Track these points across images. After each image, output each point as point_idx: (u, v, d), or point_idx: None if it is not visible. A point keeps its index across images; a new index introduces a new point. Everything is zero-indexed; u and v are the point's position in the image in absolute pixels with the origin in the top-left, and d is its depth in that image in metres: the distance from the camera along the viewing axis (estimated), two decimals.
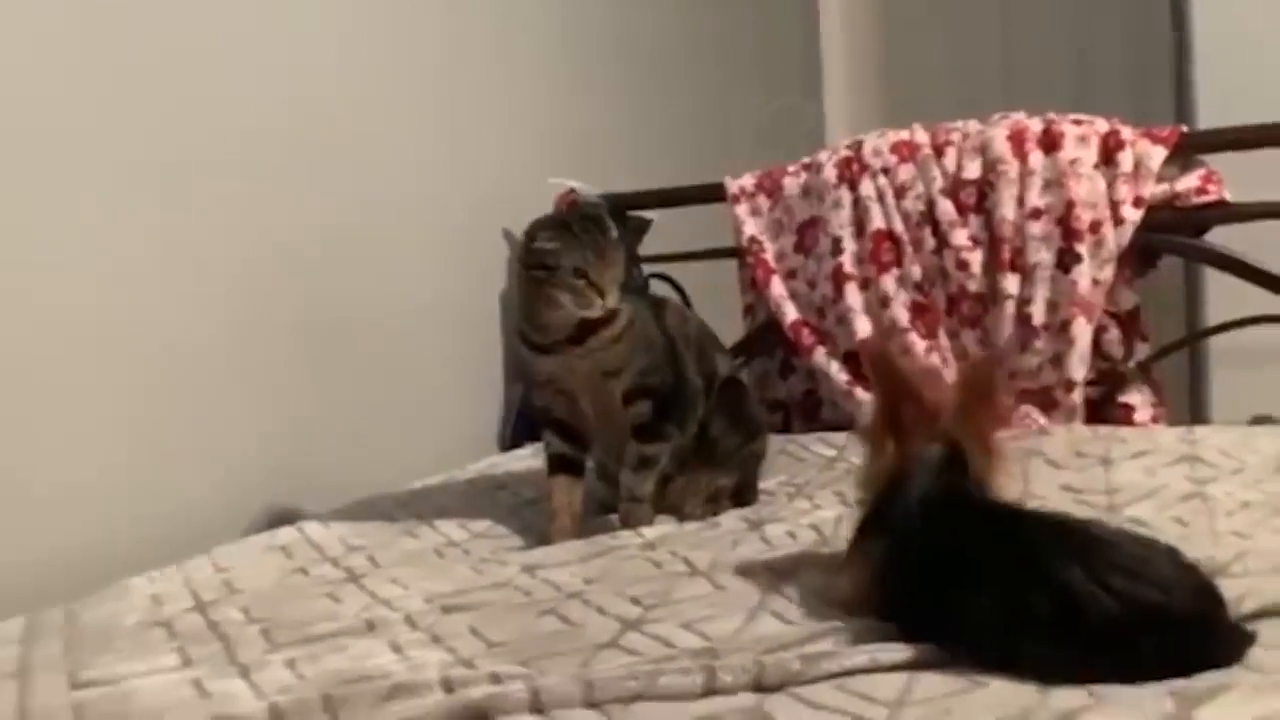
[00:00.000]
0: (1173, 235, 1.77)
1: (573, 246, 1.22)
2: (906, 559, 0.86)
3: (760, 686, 0.77)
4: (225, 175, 1.47)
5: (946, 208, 1.83)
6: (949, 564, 0.82)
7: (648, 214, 2.09)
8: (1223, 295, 1.94)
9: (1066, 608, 0.74)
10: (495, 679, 0.79)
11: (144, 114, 1.35)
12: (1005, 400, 0.93)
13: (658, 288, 2.10)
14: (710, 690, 0.76)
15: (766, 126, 2.88)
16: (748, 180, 2.03)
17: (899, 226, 1.85)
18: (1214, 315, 2.05)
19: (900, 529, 0.88)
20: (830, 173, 1.92)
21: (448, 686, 0.78)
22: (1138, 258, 1.80)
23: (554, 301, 1.23)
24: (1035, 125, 1.82)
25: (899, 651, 0.79)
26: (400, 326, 1.77)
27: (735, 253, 2.04)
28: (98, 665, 0.89)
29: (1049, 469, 1.40)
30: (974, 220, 1.82)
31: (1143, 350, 1.83)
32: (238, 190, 1.48)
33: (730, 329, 1.93)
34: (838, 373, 1.85)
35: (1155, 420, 1.78)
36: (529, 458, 1.68)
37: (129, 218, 1.34)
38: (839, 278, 1.87)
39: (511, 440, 1.93)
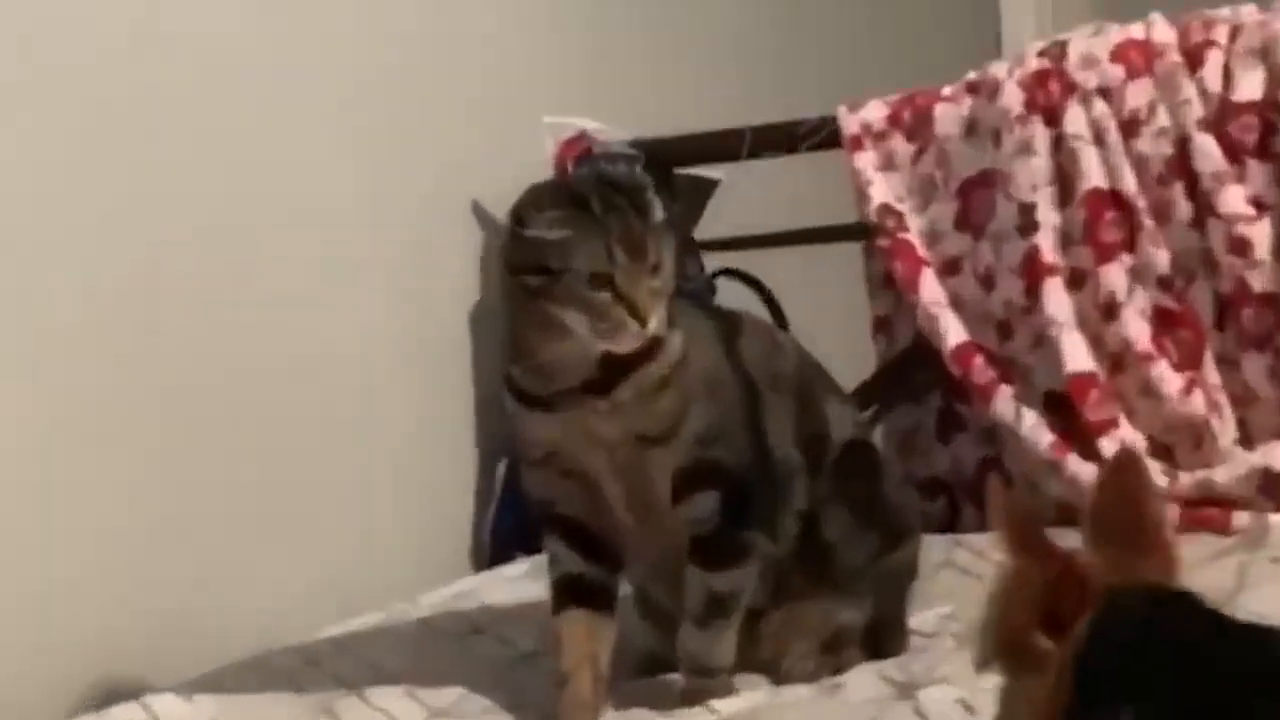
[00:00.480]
0: None
1: (591, 236, 1.22)
2: None
3: None
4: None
5: (1209, 150, 1.81)
6: None
7: (710, 172, 2.12)
8: None
9: None
10: None
11: None
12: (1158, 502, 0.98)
13: (728, 293, 2.11)
14: None
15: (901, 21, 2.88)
16: (876, 112, 2.02)
17: (1131, 184, 1.84)
18: None
19: (1143, 688, 0.86)
20: (1013, 97, 1.91)
21: None
22: None
23: (559, 326, 1.23)
24: None
25: None
26: (310, 381, 1.80)
27: (857, 233, 2.05)
28: None
29: None
30: (1257, 170, 1.80)
31: None
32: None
33: (853, 360, 1.94)
34: (1034, 429, 1.83)
35: None
36: (522, 581, 1.69)
37: None
38: (1033, 271, 1.85)
39: (493, 552, 1.95)
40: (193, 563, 1.63)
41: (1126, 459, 1.09)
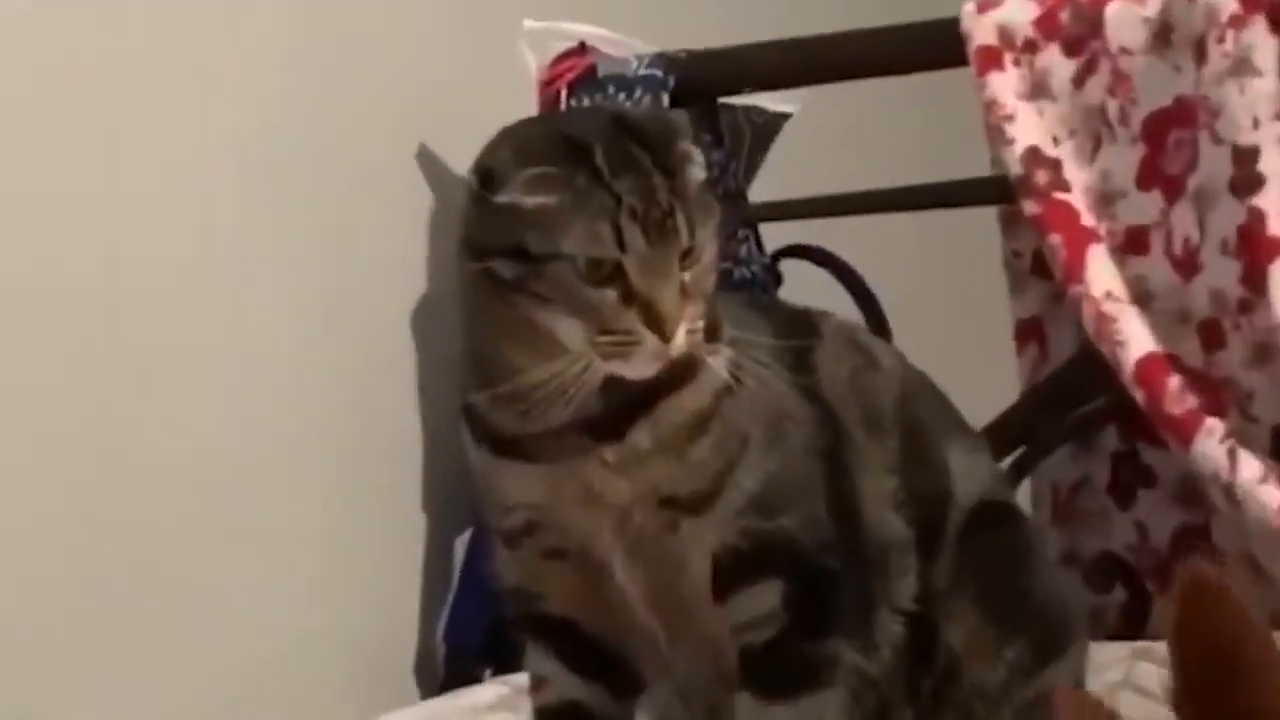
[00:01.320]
0: None
1: (592, 206, 1.22)
2: None
3: None
4: None
5: None
6: None
7: (773, 102, 2.13)
8: None
9: None
10: None
11: None
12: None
13: (798, 281, 2.11)
14: None
15: None
16: (1020, 13, 2.02)
17: None
18: None
19: None
20: None
21: None
22: None
23: (544, 335, 1.23)
24: None
25: None
26: (180, 430, 1.83)
27: (992, 192, 2.08)
28: None
29: None
30: None
31: None
32: None
33: (982, 383, 1.94)
34: (1258, 483, 1.82)
35: None
36: (490, 712, 1.70)
37: None
38: (1256, 247, 1.85)
39: (449, 670, 1.97)
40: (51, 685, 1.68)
41: (1202, 583, 1.13)
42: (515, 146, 1.26)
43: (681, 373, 1.24)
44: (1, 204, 1.73)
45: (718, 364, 1.25)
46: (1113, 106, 1.97)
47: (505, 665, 1.70)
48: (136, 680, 1.76)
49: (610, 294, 1.20)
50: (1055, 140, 1.99)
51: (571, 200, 1.20)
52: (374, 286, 2.00)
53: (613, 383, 1.23)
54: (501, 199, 1.22)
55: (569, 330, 1.21)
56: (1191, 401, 1.88)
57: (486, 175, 1.24)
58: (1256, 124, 1.87)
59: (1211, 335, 1.90)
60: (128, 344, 1.82)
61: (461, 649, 1.96)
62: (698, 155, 1.26)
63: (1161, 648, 1.74)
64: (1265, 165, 1.86)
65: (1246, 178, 1.86)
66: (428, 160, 1.98)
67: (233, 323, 1.89)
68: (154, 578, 1.79)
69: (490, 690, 1.78)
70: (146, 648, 1.77)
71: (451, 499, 1.96)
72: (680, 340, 1.20)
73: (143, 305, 1.82)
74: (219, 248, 1.87)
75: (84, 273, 1.79)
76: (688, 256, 1.22)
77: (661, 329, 1.20)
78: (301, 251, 1.95)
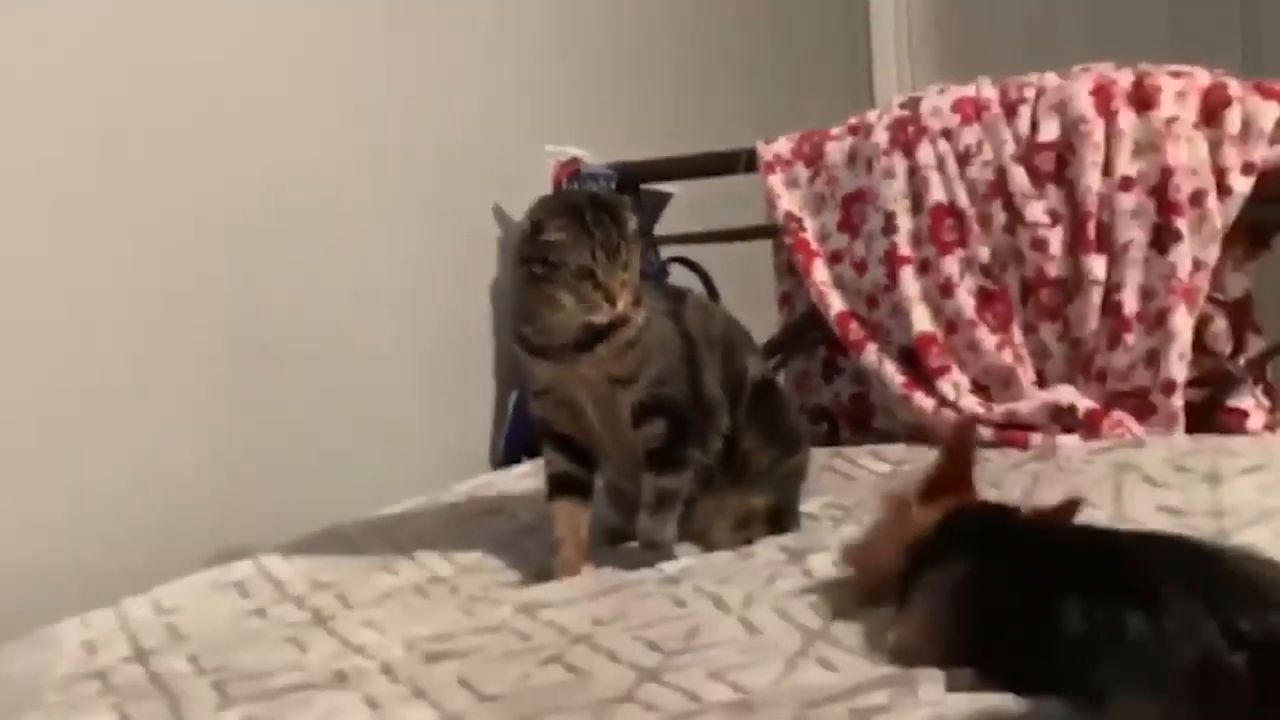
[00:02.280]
0: None
1: (581, 241, 1.21)
2: (984, 587, 0.88)
3: None
4: (185, 188, 1.50)
5: (1019, 177, 1.82)
6: (1033, 588, 0.85)
7: (666, 187, 2.13)
8: None
9: (1206, 665, 0.73)
10: None
11: (52, 100, 1.36)
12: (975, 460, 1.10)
13: (678, 275, 2.11)
14: None
15: (802, 81, 2.88)
16: (783, 146, 2.02)
17: (963, 199, 1.85)
18: None
19: (972, 553, 0.92)
20: (881, 136, 1.91)
21: None
22: (1248, 236, 1.79)
23: (554, 302, 1.23)
24: (1124, 79, 1.81)
25: (964, 703, 0.79)
26: (371, 324, 1.77)
27: (769, 232, 2.03)
28: None
29: (1145, 487, 1.39)
30: (1052, 191, 1.81)
31: (1256, 345, 1.82)
32: (182, 184, 1.50)
33: (764, 323, 1.93)
34: (892, 374, 1.84)
35: (1271, 428, 1.77)
36: (527, 476, 1.68)
37: (65, 238, 1.37)
38: (893, 261, 1.86)
39: (505, 456, 1.94)
40: (290, 457, 1.63)
41: (964, 427, 1.14)
42: (547, 209, 1.25)
43: (620, 322, 1.24)
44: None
45: (638, 317, 1.25)
46: (826, 191, 1.98)
47: (532, 455, 1.68)
48: (347, 453, 1.72)
49: (587, 284, 1.20)
50: (799, 208, 1.99)
51: (573, 238, 1.21)
52: (474, 271, 1.96)
53: (587, 326, 1.23)
54: (544, 238, 1.22)
55: (566, 299, 1.21)
56: (862, 334, 1.89)
57: (537, 225, 1.23)
58: (895, 201, 1.88)
59: (871, 302, 1.91)
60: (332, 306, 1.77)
61: (511, 446, 1.93)
62: (633, 218, 1.25)
63: (845, 450, 1.75)
64: (898, 221, 1.87)
65: (889, 227, 1.88)
66: (499, 213, 1.97)
67: (419, 290, 1.85)
68: (366, 400, 1.75)
69: (525, 466, 1.76)
70: (355, 435, 1.73)
71: (508, 373, 1.94)
72: (620, 307, 1.22)
73: (381, 285, 1.78)
74: (414, 249, 1.83)
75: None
76: (626, 268, 1.22)
77: (612, 301, 1.21)
78: (448, 253, 1.90)
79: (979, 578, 0.90)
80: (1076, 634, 0.79)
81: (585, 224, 1.21)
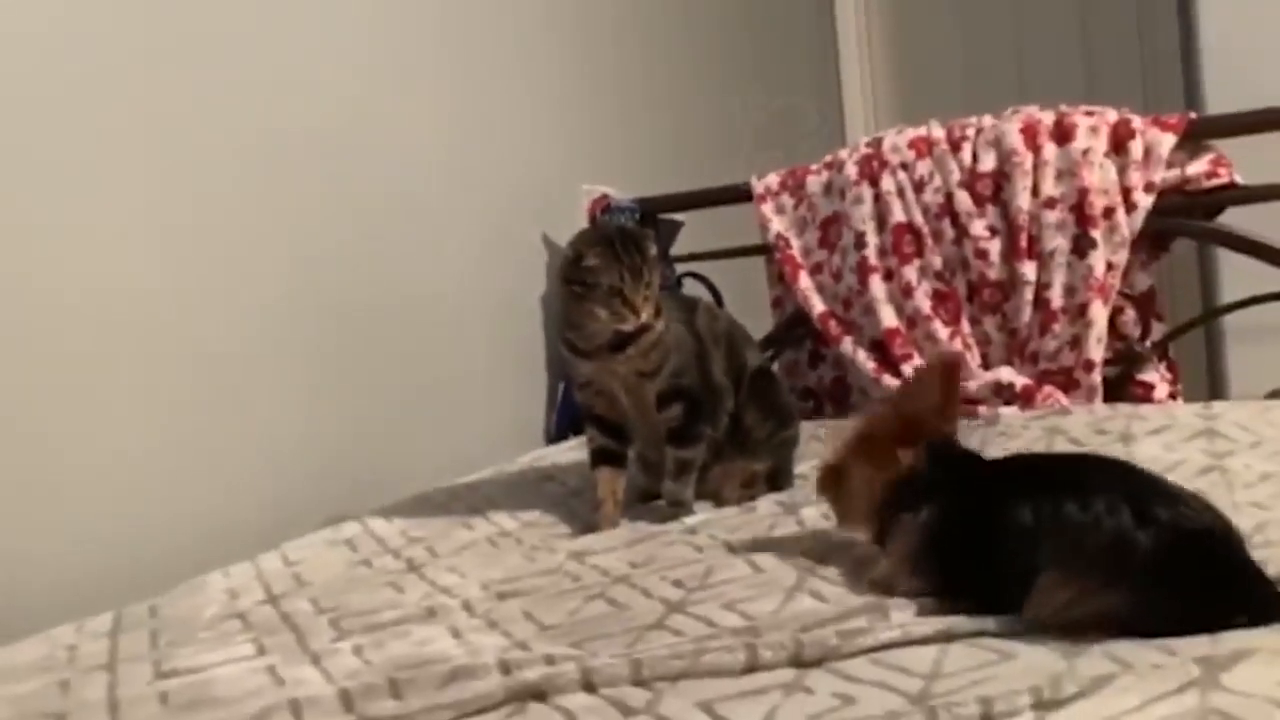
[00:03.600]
0: (1184, 219, 1.75)
1: (611, 266, 1.20)
2: (952, 523, 0.87)
3: (800, 662, 0.77)
4: (268, 179, 1.47)
5: (964, 200, 1.81)
6: (994, 517, 0.82)
7: (678, 216, 2.13)
8: (1236, 275, 1.90)
9: (1119, 540, 0.74)
10: (549, 660, 0.80)
11: (181, 115, 1.35)
12: (959, 390, 0.98)
13: (690, 286, 2.11)
14: (752, 667, 0.77)
15: (786, 127, 2.87)
16: (772, 180, 2.02)
17: (919, 219, 1.84)
18: (1228, 294, 2.01)
19: (939, 493, 0.89)
20: (851, 170, 1.90)
21: (505, 669, 0.79)
22: (1151, 241, 1.78)
23: (593, 314, 1.22)
24: (1047, 118, 1.80)
25: (929, 625, 0.79)
26: (447, 327, 1.77)
27: (762, 250, 2.03)
28: (180, 656, 0.91)
29: (1071, 446, 1.38)
30: (991, 210, 1.80)
31: (1159, 330, 1.80)
32: (281, 193, 1.49)
33: (760, 322, 1.92)
34: (864, 360, 1.83)
35: (1173, 397, 1.75)
36: (573, 450, 1.68)
37: (178, 229, 1.36)
38: (863, 270, 1.86)
39: (556, 433, 1.94)
40: (386, 437, 1.63)
41: (951, 357, 1.07)
42: (586, 241, 1.25)
43: (644, 329, 1.24)
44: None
45: (659, 324, 1.25)
46: (808, 215, 1.97)
47: (577, 433, 1.68)
48: (432, 434, 1.71)
49: (617, 299, 1.20)
50: (787, 229, 1.98)
51: (605, 264, 1.20)
52: (527, 286, 1.94)
53: (618, 332, 1.23)
54: (584, 264, 1.22)
55: (601, 312, 1.21)
56: (839, 329, 1.89)
57: (578, 253, 1.23)
58: (864, 222, 1.88)
59: (846, 304, 1.90)
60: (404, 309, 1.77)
61: (560, 425, 1.93)
62: (653, 244, 1.25)
63: (827, 424, 1.74)
64: (867, 239, 1.87)
65: (859, 243, 1.87)
66: (546, 239, 1.96)
67: (486, 298, 1.83)
68: (447, 389, 1.74)
69: (572, 442, 1.76)
70: (438, 419, 1.72)
71: (556, 367, 1.94)
72: (644, 317, 1.21)
73: (453, 296, 1.77)
74: (482, 267, 1.83)
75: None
76: (648, 285, 1.22)
77: (636, 313, 1.21)
78: (508, 271, 1.90)
79: (947, 518, 0.88)
80: (1026, 526, 0.79)
81: (615, 252, 1.21)
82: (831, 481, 1.01)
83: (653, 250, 1.24)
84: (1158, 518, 0.75)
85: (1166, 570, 0.73)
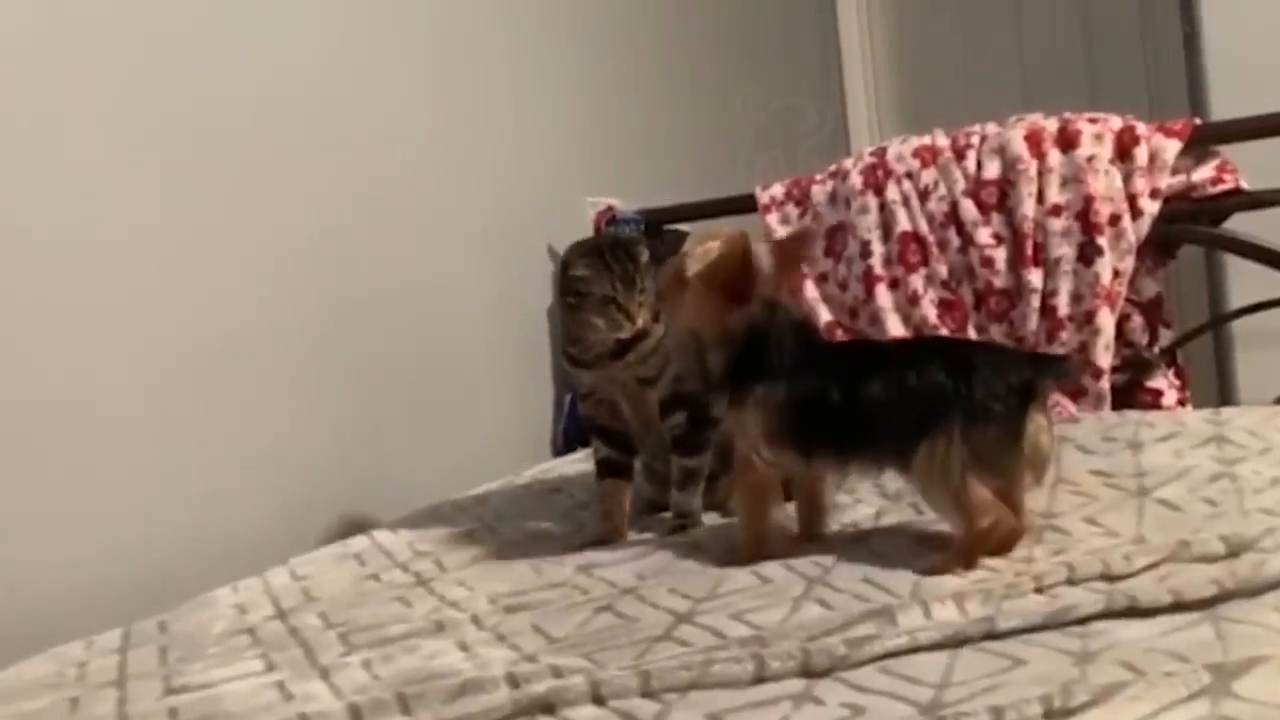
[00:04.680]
0: (1190, 224, 1.74)
1: (602, 275, 1.20)
2: (809, 391, 1.00)
3: (808, 672, 0.77)
4: (280, 192, 1.48)
5: (969, 208, 1.81)
6: (843, 385, 0.99)
7: (683, 227, 2.13)
8: (1243, 280, 1.90)
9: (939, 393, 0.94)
10: (557, 673, 0.80)
11: (181, 117, 1.35)
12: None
13: None
14: (760, 677, 0.76)
15: (791, 138, 2.87)
16: (777, 190, 2.02)
17: (924, 228, 1.84)
18: (1236, 300, 2.01)
19: (790, 372, 1.02)
20: (856, 179, 1.90)
21: (513, 682, 0.79)
22: (1157, 248, 1.77)
23: (589, 324, 1.22)
24: (1051, 125, 1.80)
25: (937, 631, 0.79)
26: (454, 341, 1.77)
27: None
28: (189, 672, 0.92)
29: (1079, 454, 1.37)
30: (996, 218, 1.80)
31: (1167, 336, 1.80)
32: (293, 208, 1.50)
33: None
34: None
35: (1182, 404, 1.75)
36: (580, 462, 1.68)
37: (190, 248, 1.37)
38: (869, 279, 1.85)
39: (564, 445, 1.93)
40: (394, 452, 1.63)
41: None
42: (575, 253, 1.25)
43: (641, 335, 1.23)
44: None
45: (656, 330, 1.25)
46: (815, 226, 1.97)
47: (583, 444, 1.68)
48: (439, 446, 1.71)
49: (611, 308, 1.21)
50: None
51: (595, 274, 1.21)
52: (534, 298, 1.93)
53: (616, 340, 1.23)
54: (570, 274, 1.22)
55: (598, 321, 1.22)
56: (845, 339, 1.89)
57: (566, 265, 1.23)
58: (869, 231, 1.88)
59: (853, 313, 1.90)
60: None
61: (567, 438, 1.93)
62: (645, 252, 1.25)
63: None
64: (873, 247, 1.86)
65: (865, 252, 1.87)
66: (552, 251, 1.94)
67: (495, 310, 1.83)
68: (454, 405, 1.74)
69: (579, 454, 1.76)
70: (445, 433, 1.72)
71: (562, 379, 1.93)
72: (639, 323, 1.22)
73: (461, 311, 1.78)
74: (489, 280, 1.83)
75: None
76: (642, 291, 1.22)
77: (632, 320, 1.21)
78: (515, 283, 1.89)
79: (801, 388, 1.00)
80: (884, 400, 0.96)
81: (605, 261, 1.21)
82: (673, 289, 1.09)
83: (644, 256, 1.24)
84: (1011, 383, 0.94)
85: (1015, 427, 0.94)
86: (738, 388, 1.04)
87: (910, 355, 1.01)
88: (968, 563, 0.93)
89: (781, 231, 1.97)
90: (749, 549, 1.06)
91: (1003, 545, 0.96)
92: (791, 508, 1.25)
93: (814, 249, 1.14)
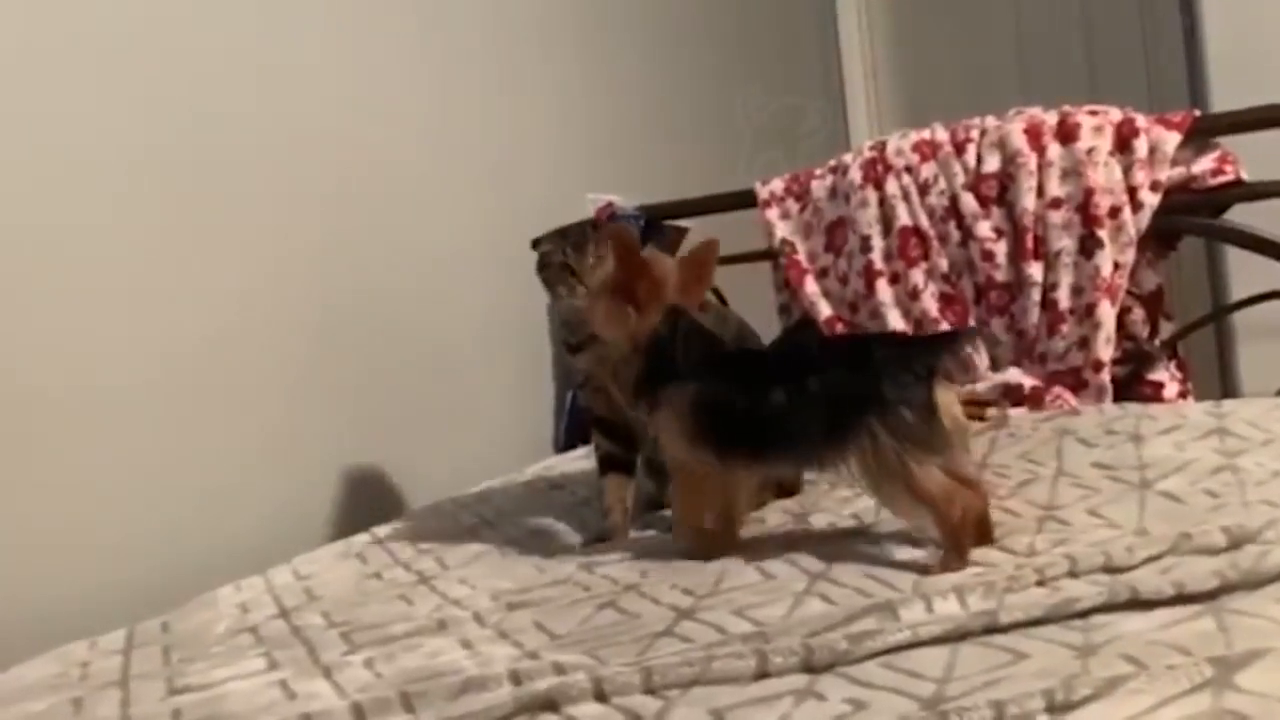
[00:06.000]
0: (1191, 216, 1.74)
1: (558, 244, 1.23)
2: (718, 394, 1.02)
3: (810, 667, 0.76)
4: (280, 192, 1.48)
5: (969, 201, 1.81)
6: (750, 387, 1.00)
7: (684, 223, 2.13)
8: (1245, 271, 1.89)
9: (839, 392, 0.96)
10: (560, 670, 0.80)
11: (184, 123, 1.36)
12: (712, 273, 1.15)
13: None
14: (762, 673, 0.76)
15: (790, 132, 2.87)
16: (777, 185, 2.02)
17: (924, 222, 1.84)
18: (1237, 291, 2.01)
19: (698, 376, 1.04)
20: (856, 174, 1.90)
21: (516, 679, 0.79)
22: (1157, 240, 1.77)
23: (556, 296, 1.24)
24: (1051, 118, 1.80)
25: (939, 625, 0.79)
26: (455, 338, 1.78)
27: (768, 255, 2.03)
28: (192, 672, 0.92)
29: (1081, 447, 1.37)
30: (996, 212, 1.80)
31: (1168, 329, 1.80)
32: (291, 207, 1.50)
33: (766, 329, 1.91)
34: None
35: (1183, 396, 1.75)
36: (582, 459, 1.68)
37: (197, 243, 1.37)
38: (869, 274, 1.85)
39: (565, 442, 1.94)
40: (397, 451, 1.63)
41: (703, 247, 1.16)
42: (547, 238, 1.28)
43: None
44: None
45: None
46: (813, 220, 1.97)
47: (585, 442, 1.68)
48: (442, 443, 1.71)
49: (565, 272, 1.24)
50: (792, 235, 1.98)
51: (554, 246, 1.25)
52: (535, 297, 1.90)
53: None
54: (538, 250, 1.26)
55: (560, 290, 1.25)
56: (845, 334, 1.89)
57: (535, 245, 1.27)
58: (869, 226, 1.88)
59: (853, 308, 1.90)
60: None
61: (569, 436, 1.93)
62: (591, 234, 1.26)
63: None
64: (873, 242, 1.87)
65: (865, 247, 1.87)
66: None
67: (505, 309, 1.84)
68: (453, 402, 1.74)
69: (580, 451, 1.76)
70: (447, 429, 1.72)
71: (562, 377, 1.94)
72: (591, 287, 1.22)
73: (471, 308, 1.79)
74: (479, 288, 1.83)
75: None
76: (599, 259, 1.22)
77: (582, 283, 1.23)
78: (516, 281, 1.87)
79: (711, 391, 1.02)
80: (789, 402, 0.97)
81: (563, 233, 1.24)
82: (590, 302, 1.12)
83: (597, 229, 1.26)
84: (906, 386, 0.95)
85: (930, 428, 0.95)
86: (651, 394, 1.06)
87: (813, 355, 1.03)
88: (960, 557, 0.93)
89: (781, 227, 1.98)
90: (697, 545, 1.08)
91: (982, 530, 0.96)
92: (787, 503, 1.25)
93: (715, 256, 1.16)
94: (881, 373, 0.95)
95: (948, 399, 0.99)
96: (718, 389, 1.02)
